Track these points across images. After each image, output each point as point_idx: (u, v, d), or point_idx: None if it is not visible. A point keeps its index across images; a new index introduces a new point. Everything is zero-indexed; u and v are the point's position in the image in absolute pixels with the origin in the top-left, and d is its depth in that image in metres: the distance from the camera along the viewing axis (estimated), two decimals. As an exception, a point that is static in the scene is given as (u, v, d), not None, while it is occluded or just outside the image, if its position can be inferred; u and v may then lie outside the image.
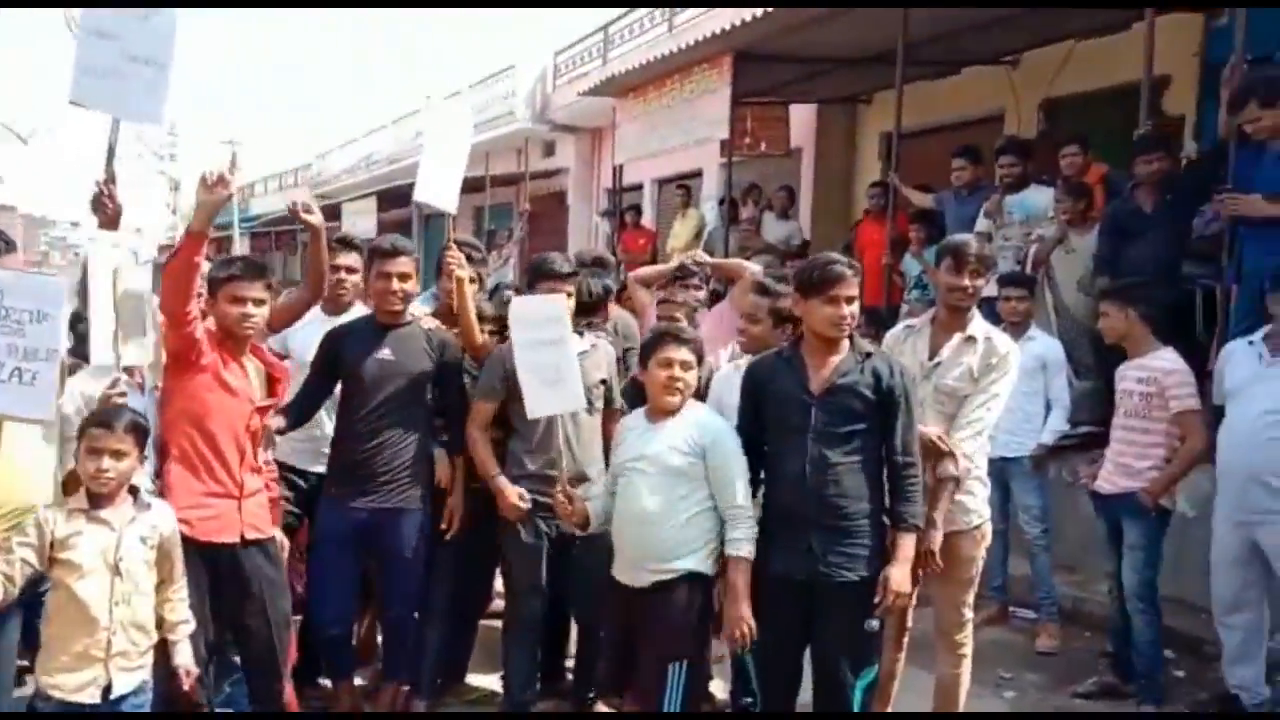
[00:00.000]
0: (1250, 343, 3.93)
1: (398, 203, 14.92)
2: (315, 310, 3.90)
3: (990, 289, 5.71)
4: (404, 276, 3.64)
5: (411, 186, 4.05)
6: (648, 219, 12.35)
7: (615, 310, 4.49)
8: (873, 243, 7.75)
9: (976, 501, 3.44)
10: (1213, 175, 5.03)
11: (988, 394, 3.29)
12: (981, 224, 6.22)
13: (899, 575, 2.99)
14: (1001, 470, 4.74)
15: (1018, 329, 4.90)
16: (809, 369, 3.06)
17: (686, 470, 3.09)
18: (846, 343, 3.08)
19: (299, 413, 3.66)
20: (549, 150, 15.44)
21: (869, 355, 3.07)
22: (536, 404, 3.34)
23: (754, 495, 3.13)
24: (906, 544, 3.03)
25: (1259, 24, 4.97)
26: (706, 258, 5.22)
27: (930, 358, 3.37)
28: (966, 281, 3.29)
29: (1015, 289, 5.03)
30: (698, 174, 11.78)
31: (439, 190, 3.94)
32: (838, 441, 2.98)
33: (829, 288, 2.99)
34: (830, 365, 3.04)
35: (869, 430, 3.01)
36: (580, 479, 3.54)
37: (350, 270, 4.03)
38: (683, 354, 3.17)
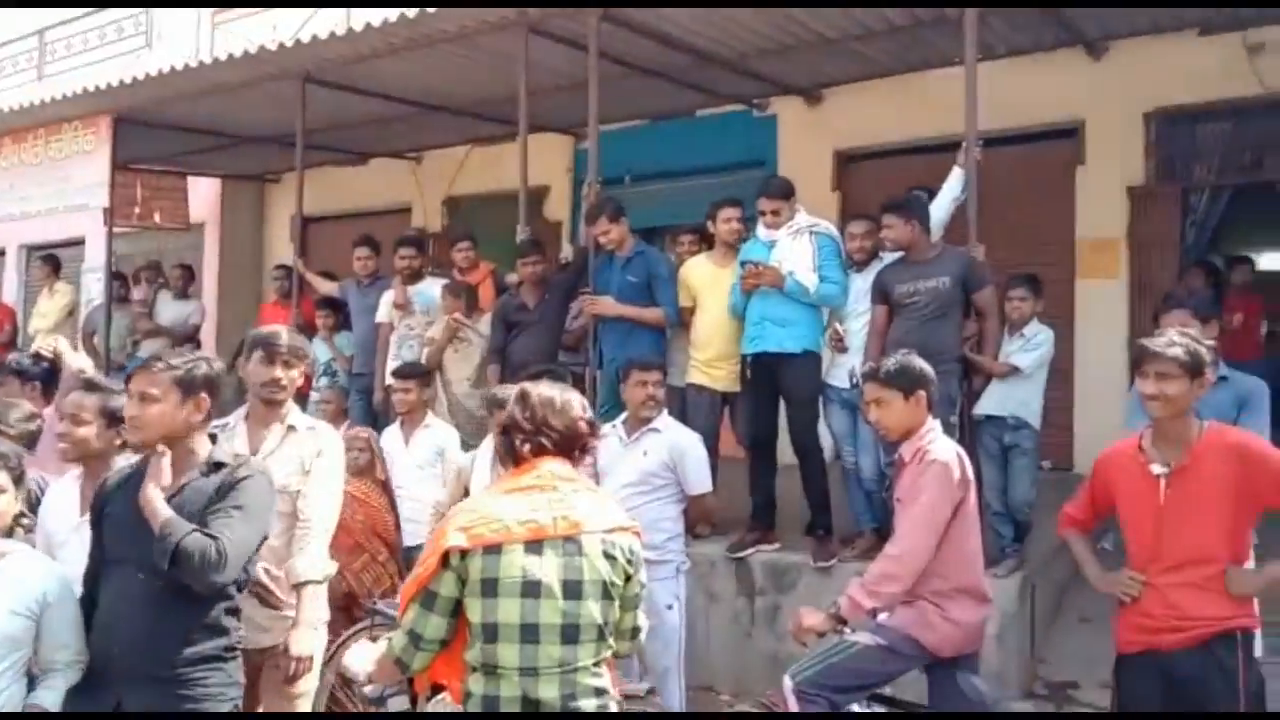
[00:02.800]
0: (614, 426, 4.47)
1: None
2: None
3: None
4: None
5: None
6: (10, 293, 10.43)
7: None
8: (279, 327, 7.43)
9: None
10: (580, 277, 5.71)
11: (323, 487, 3.12)
12: (384, 314, 6.28)
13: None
14: (409, 555, 4.76)
15: (413, 418, 5.00)
16: (149, 488, 2.52)
17: (19, 636, 2.45)
18: (207, 451, 2.66)
19: None
20: None
21: (218, 466, 2.61)
22: None
23: None
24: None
25: (611, 150, 5.82)
26: (64, 344, 4.40)
27: (253, 454, 3.09)
28: (279, 373, 3.10)
29: (406, 380, 5.11)
30: (80, 242, 10.29)
31: None
32: (165, 572, 2.42)
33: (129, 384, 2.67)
34: (175, 484, 2.54)
35: None
36: None
37: None
38: None
